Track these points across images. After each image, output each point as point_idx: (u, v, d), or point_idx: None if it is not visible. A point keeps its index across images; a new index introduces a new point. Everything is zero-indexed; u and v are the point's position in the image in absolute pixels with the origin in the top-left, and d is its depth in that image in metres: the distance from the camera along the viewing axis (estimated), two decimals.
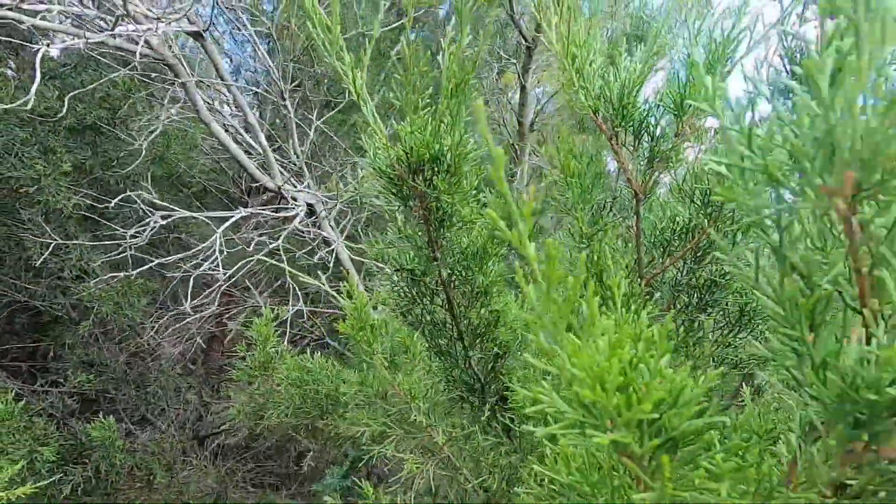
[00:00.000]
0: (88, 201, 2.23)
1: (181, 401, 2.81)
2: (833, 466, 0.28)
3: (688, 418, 0.30)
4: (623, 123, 0.61)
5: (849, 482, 0.31)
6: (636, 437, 0.30)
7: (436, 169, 0.71)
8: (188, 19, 1.87)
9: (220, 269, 1.67)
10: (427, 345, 0.92)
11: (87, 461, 2.11)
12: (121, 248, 2.14)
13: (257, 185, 2.56)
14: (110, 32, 1.62)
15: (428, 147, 0.69)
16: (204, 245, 1.79)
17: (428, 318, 0.97)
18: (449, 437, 0.82)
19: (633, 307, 0.38)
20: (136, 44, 1.65)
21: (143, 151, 1.97)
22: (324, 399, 1.65)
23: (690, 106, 0.59)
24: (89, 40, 1.52)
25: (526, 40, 3.42)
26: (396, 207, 0.84)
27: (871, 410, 0.25)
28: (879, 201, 0.25)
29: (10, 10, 1.58)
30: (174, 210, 1.82)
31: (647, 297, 0.69)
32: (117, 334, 2.62)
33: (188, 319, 2.43)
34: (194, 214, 1.82)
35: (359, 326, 0.79)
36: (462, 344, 0.96)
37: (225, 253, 1.78)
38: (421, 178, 0.72)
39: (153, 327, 2.71)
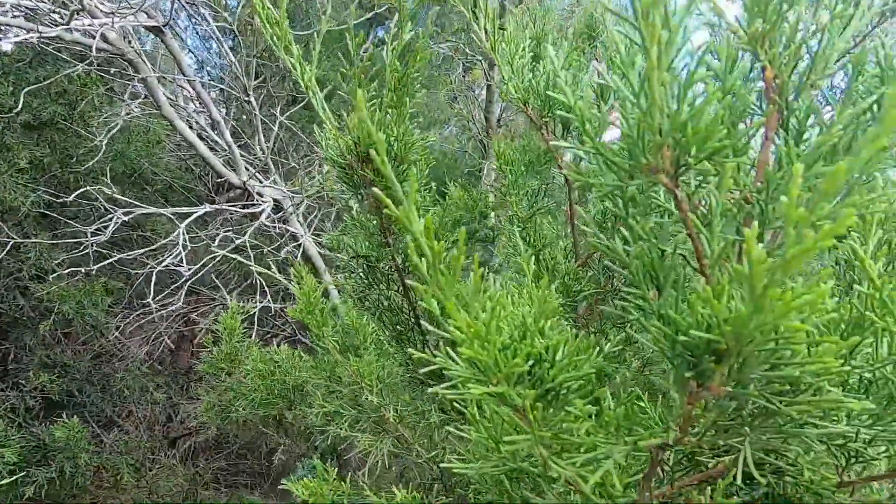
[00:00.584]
0: (47, 198, 2.19)
1: (149, 401, 2.78)
2: (681, 406, 0.34)
3: (561, 371, 0.34)
4: (550, 113, 0.66)
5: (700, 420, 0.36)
6: (518, 389, 0.35)
7: (384, 158, 0.74)
8: (146, 14, 1.86)
9: (185, 265, 1.67)
10: (384, 329, 0.96)
11: (51, 462, 2.08)
12: (82, 247, 2.11)
13: (224, 181, 2.55)
14: (65, 26, 1.60)
15: (373, 136, 0.73)
16: (167, 240, 1.79)
17: (385, 303, 1.01)
18: (402, 417, 0.86)
19: (542, 282, 0.43)
20: (93, 38, 1.63)
21: (103, 148, 1.95)
22: (291, 390, 1.68)
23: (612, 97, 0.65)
24: (43, 34, 1.50)
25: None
26: (350, 196, 0.87)
27: (693, 353, 0.30)
28: (701, 174, 0.30)
29: None
30: (136, 206, 1.81)
31: (582, 276, 0.74)
32: (81, 334, 2.57)
33: (153, 316, 2.41)
34: (157, 210, 1.82)
35: (308, 311, 0.83)
36: (419, 328, 1.00)
37: (189, 248, 1.78)
38: (370, 166, 0.76)
39: (118, 327, 2.68)
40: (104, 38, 1.92)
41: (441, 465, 0.63)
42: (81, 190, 1.76)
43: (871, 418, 0.43)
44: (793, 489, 0.49)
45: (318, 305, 0.83)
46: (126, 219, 1.84)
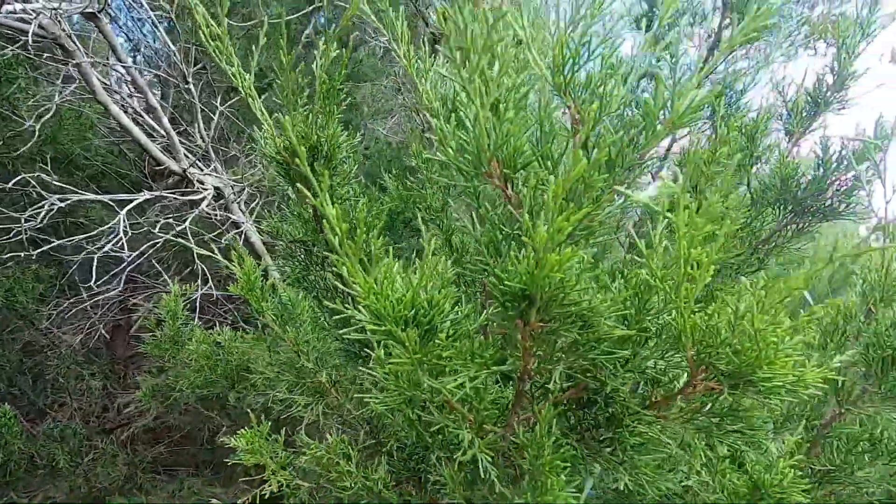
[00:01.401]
0: None
1: (84, 391, 2.75)
2: (518, 340, 0.49)
3: (438, 316, 0.49)
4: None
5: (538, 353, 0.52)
6: (404, 329, 0.49)
7: (315, 156, 0.87)
8: None
9: (126, 250, 1.71)
10: (321, 308, 1.08)
11: None
12: (13, 233, 2.08)
13: (161, 168, 2.55)
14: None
15: (307, 138, 0.85)
16: (107, 226, 1.81)
17: (321, 283, 1.13)
18: (335, 381, 0.99)
19: (433, 259, 0.57)
20: (28, 24, 1.62)
21: (37, 132, 1.92)
22: (234, 370, 1.76)
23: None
24: None
25: (433, 33, 3.58)
26: (287, 188, 0.99)
27: (514, 299, 0.46)
28: (525, 179, 0.45)
29: None
30: (74, 192, 1.81)
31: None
32: (11, 324, 2.51)
33: (87, 304, 2.39)
34: (96, 197, 1.83)
35: (248, 288, 0.94)
36: (353, 305, 1.14)
37: (130, 234, 1.81)
38: (302, 161, 0.88)
39: (50, 316, 2.63)
40: (39, 24, 1.90)
41: (357, 395, 0.77)
42: (20, 177, 1.74)
43: (658, 351, 0.60)
44: (619, 409, 0.66)
45: (258, 283, 0.94)
46: (62, 205, 1.84)
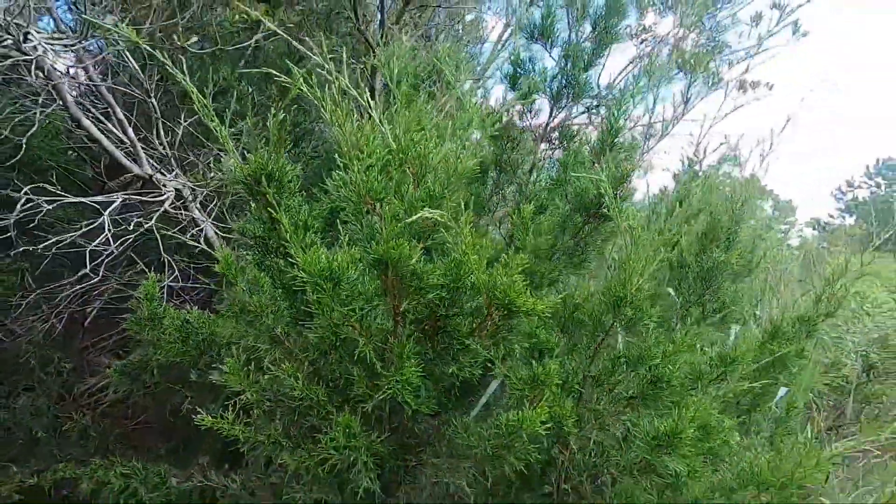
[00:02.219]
0: None
1: (53, 373, 3.03)
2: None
3: (343, 275, 0.96)
4: None
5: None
6: (325, 281, 0.95)
7: (270, 180, 1.30)
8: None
9: (112, 244, 2.07)
10: (275, 284, 1.52)
11: None
12: None
13: (127, 174, 2.87)
14: None
15: (264, 167, 1.28)
16: (95, 223, 2.15)
17: (275, 265, 1.57)
18: (287, 334, 1.43)
19: (355, 245, 1.03)
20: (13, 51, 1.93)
21: (24, 146, 2.23)
22: (202, 342, 2.15)
23: None
24: None
25: (372, 49, 4.00)
26: (249, 199, 1.42)
27: (374, 265, 0.92)
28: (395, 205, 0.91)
29: None
30: (63, 196, 2.14)
31: None
32: None
33: (62, 295, 2.69)
34: (83, 199, 2.16)
35: (226, 266, 1.36)
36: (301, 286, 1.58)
37: (112, 231, 2.16)
38: (262, 184, 1.31)
39: (19, 306, 2.91)
40: (16, 48, 2.20)
41: (301, 338, 1.23)
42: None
43: (471, 297, 1.09)
44: (452, 329, 1.15)
45: (233, 265, 1.36)
46: (50, 207, 2.16)
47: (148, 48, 1.17)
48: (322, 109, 1.15)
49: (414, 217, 0.90)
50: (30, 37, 1.82)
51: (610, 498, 1.29)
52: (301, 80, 1.21)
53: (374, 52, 4.14)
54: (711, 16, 4.52)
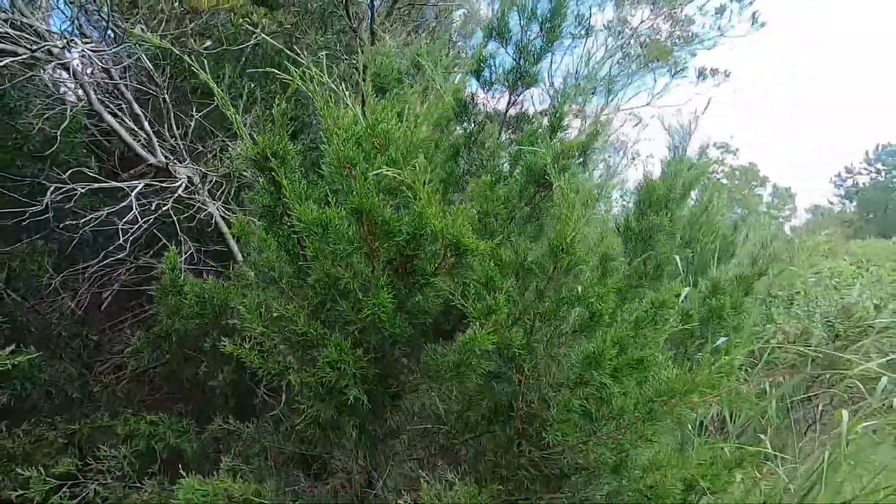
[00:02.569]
0: None
1: (82, 345, 3.36)
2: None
3: (331, 223, 1.27)
4: None
5: None
6: (318, 227, 1.27)
7: (274, 156, 1.61)
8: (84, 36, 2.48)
9: (140, 220, 2.39)
10: (280, 242, 1.83)
11: (14, 382, 2.69)
12: (27, 216, 2.70)
13: (141, 164, 3.18)
14: (30, 51, 2.20)
15: (270, 146, 1.59)
16: (121, 206, 2.47)
17: (282, 230, 1.88)
18: (291, 284, 1.74)
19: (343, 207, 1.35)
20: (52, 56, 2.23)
21: (58, 139, 2.55)
22: (217, 307, 2.47)
23: None
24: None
25: (363, 43, 4.29)
26: (258, 176, 1.73)
27: (353, 214, 1.23)
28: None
29: None
30: (96, 181, 2.46)
31: None
32: (20, 291, 3.10)
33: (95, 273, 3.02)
34: (113, 184, 2.49)
35: (241, 230, 1.68)
36: (301, 245, 1.90)
37: (138, 211, 2.48)
38: (270, 162, 1.63)
39: (49, 284, 3.24)
40: (49, 52, 2.51)
41: (300, 281, 1.55)
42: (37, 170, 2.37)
43: (431, 242, 1.40)
44: (419, 268, 1.47)
45: (248, 230, 1.68)
46: (83, 191, 2.47)
47: (177, 52, 1.47)
48: (315, 99, 1.46)
49: (374, 172, 1.21)
50: (72, 44, 2.12)
51: (553, 408, 1.61)
52: (298, 76, 1.52)
53: (361, 49, 4.43)
54: (680, 7, 4.83)
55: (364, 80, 3.53)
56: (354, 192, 1.22)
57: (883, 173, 40.85)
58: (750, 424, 3.09)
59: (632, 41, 4.13)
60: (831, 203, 41.06)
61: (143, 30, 2.07)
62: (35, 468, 2.04)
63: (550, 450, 1.73)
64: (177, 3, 2.12)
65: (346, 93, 1.31)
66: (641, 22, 4.18)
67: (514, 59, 1.80)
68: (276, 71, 1.69)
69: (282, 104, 1.50)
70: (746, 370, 3.15)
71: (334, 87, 1.28)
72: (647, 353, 1.71)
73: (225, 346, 2.64)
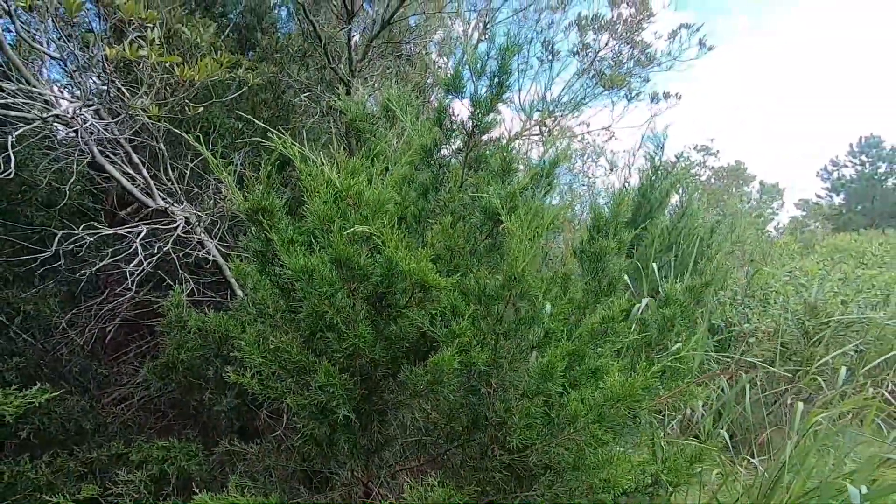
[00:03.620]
0: None
1: (92, 379, 3.58)
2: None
3: (316, 272, 1.52)
4: None
5: None
6: (303, 275, 1.52)
7: (264, 212, 1.87)
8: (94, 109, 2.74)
9: (144, 263, 2.63)
10: (273, 283, 2.08)
11: (32, 417, 2.90)
12: (38, 261, 2.94)
13: (134, 205, 3.43)
14: (48, 115, 2.46)
15: (260, 202, 1.85)
16: (127, 253, 2.72)
17: (274, 271, 2.13)
18: (284, 319, 1.98)
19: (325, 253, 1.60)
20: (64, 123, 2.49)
21: (68, 193, 2.79)
22: (218, 338, 2.71)
23: None
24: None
25: (344, 83, 4.58)
26: (250, 225, 1.98)
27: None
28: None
29: None
30: (99, 229, 2.71)
31: None
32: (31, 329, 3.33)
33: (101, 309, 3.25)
34: (114, 230, 2.73)
35: (238, 273, 1.93)
36: (291, 284, 2.15)
37: (143, 254, 2.72)
38: (259, 215, 1.88)
39: (59, 324, 3.47)
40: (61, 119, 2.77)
41: (289, 312, 1.80)
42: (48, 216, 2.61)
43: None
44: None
45: (245, 270, 1.93)
46: (92, 239, 2.72)
47: (175, 130, 1.72)
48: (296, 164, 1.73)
49: (350, 230, 1.46)
50: (83, 110, 2.37)
51: (516, 415, 1.86)
52: (281, 143, 1.78)
53: (343, 84, 4.70)
54: (636, 35, 5.16)
55: (339, 125, 3.78)
56: (333, 245, 1.47)
57: (867, 165, 41.53)
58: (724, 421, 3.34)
59: (594, 64, 4.44)
60: (819, 197, 41.65)
61: (146, 103, 2.32)
62: (61, 495, 2.25)
63: (519, 453, 1.97)
64: (170, 75, 2.37)
65: (324, 160, 1.56)
66: (601, 49, 4.49)
67: (469, 111, 2.07)
68: (272, 130, 1.96)
69: (268, 167, 1.76)
70: (703, 370, 3.40)
71: (314, 157, 1.54)
72: (601, 363, 1.97)
73: (229, 374, 2.90)
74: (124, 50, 2.06)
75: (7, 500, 2.53)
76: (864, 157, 41.05)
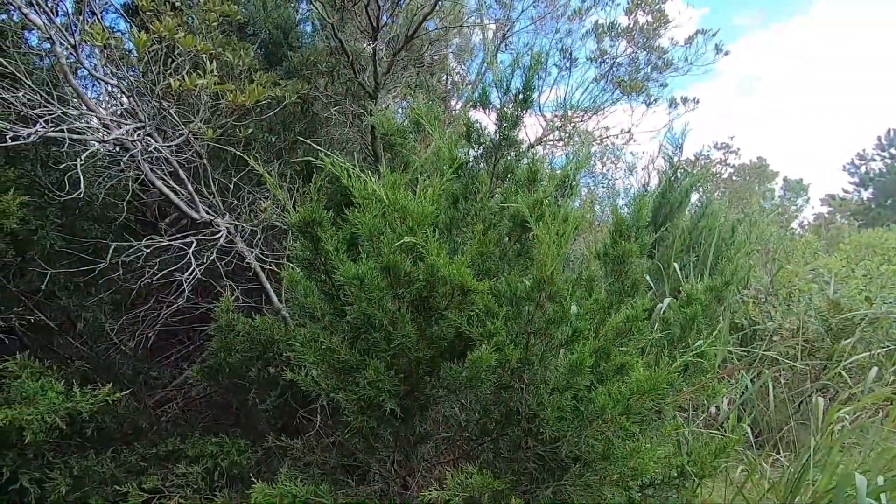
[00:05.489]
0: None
1: (143, 381, 3.83)
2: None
3: (365, 281, 1.69)
4: None
5: None
6: (354, 280, 1.69)
7: (314, 223, 2.05)
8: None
9: (197, 271, 2.85)
10: (318, 286, 2.26)
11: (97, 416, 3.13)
12: (96, 271, 3.18)
13: (175, 216, 3.66)
14: (107, 139, 2.69)
15: (311, 215, 2.03)
16: (180, 264, 2.94)
17: (320, 277, 2.32)
18: (331, 322, 2.16)
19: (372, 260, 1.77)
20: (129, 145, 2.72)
21: (124, 209, 3.03)
22: (265, 341, 2.91)
23: None
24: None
25: (371, 96, 4.77)
26: (298, 235, 2.17)
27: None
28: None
29: None
30: (154, 238, 2.94)
31: None
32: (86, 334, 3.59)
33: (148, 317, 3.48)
34: (169, 241, 2.96)
35: (291, 280, 2.11)
36: (338, 289, 2.33)
37: (195, 264, 2.94)
38: (310, 226, 2.06)
39: (112, 328, 3.72)
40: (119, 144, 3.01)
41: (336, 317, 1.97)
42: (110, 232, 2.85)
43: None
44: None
45: (297, 277, 2.11)
46: (148, 250, 2.95)
47: (231, 150, 1.91)
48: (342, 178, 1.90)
49: (399, 242, 1.63)
50: (150, 139, 2.60)
51: (548, 409, 2.00)
52: (328, 163, 1.96)
53: (370, 97, 4.89)
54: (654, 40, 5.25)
55: (375, 137, 3.98)
56: (382, 254, 1.64)
57: None
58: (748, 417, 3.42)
59: (612, 70, 4.55)
60: (846, 192, 40.65)
61: (201, 125, 2.54)
62: (129, 485, 2.47)
63: (551, 444, 2.11)
64: (222, 100, 2.58)
65: (368, 174, 1.73)
66: (618, 56, 4.60)
67: (496, 125, 2.23)
68: (318, 147, 2.14)
69: (318, 182, 1.95)
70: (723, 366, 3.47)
71: (360, 174, 1.71)
72: (626, 359, 2.10)
73: (276, 374, 3.08)
74: (184, 80, 2.26)
75: (76, 493, 2.76)
76: (893, 151, 39.96)
